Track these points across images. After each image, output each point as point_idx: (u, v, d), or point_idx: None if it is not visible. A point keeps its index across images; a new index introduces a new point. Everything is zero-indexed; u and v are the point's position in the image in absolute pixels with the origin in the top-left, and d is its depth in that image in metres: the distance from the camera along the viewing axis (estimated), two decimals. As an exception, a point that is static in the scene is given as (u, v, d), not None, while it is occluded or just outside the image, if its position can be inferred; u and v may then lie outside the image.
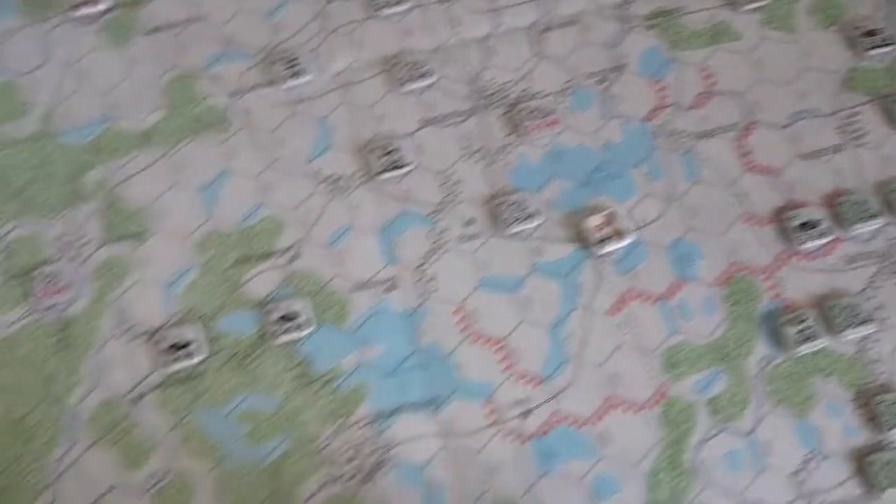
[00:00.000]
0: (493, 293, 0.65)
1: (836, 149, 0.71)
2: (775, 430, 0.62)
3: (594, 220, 0.66)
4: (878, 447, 0.62)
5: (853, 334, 0.64)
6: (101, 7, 0.74)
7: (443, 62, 0.73)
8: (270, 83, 0.72)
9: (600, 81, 0.73)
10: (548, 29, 0.75)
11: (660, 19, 0.75)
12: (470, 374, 0.63)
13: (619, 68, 0.74)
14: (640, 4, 0.76)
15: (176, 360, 0.63)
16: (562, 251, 0.67)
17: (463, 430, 0.62)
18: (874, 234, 0.68)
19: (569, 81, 0.73)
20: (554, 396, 0.63)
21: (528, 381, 0.63)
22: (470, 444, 0.61)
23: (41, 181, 0.68)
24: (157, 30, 0.74)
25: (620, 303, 0.65)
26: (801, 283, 0.67)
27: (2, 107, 0.71)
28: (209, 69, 0.72)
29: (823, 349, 0.64)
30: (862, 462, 0.62)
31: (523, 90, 0.72)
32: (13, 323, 0.65)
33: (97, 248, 0.68)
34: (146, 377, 0.64)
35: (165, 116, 0.71)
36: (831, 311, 0.65)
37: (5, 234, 0.67)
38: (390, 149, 0.69)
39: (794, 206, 0.69)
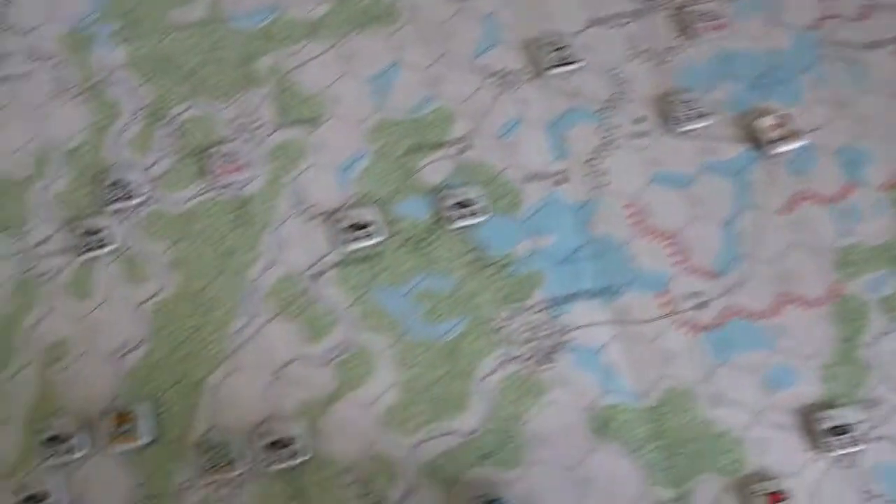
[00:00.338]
0: (664, 189, 0.66)
1: None
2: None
3: (767, 121, 0.67)
4: None
5: None
6: None
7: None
8: (436, -21, 0.72)
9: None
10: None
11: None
12: (644, 266, 0.64)
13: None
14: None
15: (356, 239, 0.64)
16: (733, 150, 0.67)
17: (637, 319, 0.63)
18: None
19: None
20: (728, 291, 0.63)
21: (702, 275, 0.64)
22: (645, 332, 0.62)
23: (212, 64, 0.69)
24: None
25: (792, 203, 0.65)
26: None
27: (170, -9, 0.70)
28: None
29: None
30: None
31: (688, -5, 0.72)
32: (190, 199, 0.66)
33: (272, 132, 0.68)
34: (325, 255, 0.64)
35: (333, 8, 0.72)
36: None
37: (179, 114, 0.68)
38: (560, 45, 0.69)
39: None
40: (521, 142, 0.67)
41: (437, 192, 0.66)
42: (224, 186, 0.66)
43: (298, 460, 0.58)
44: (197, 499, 0.58)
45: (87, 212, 0.65)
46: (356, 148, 0.67)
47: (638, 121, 0.68)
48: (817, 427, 0.59)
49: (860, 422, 0.59)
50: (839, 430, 0.58)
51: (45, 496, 0.57)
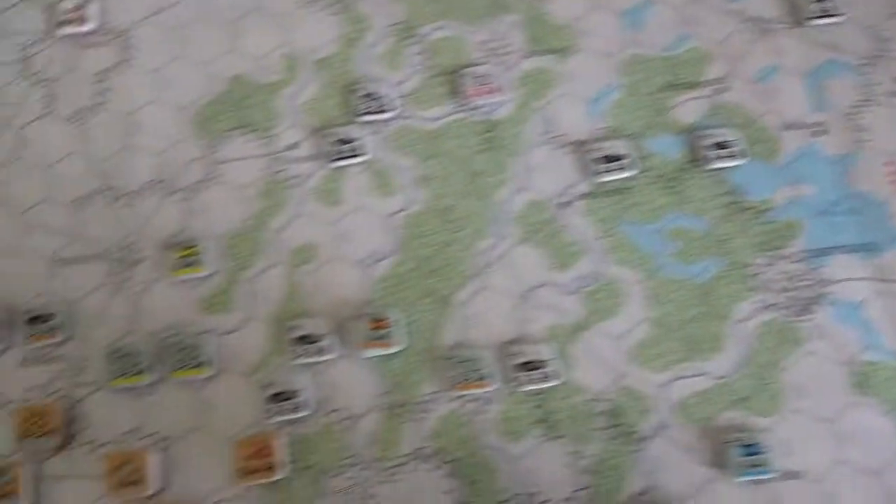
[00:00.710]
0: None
1: None
2: None
3: None
4: None
5: None
6: None
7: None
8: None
9: None
10: None
11: None
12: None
13: None
14: None
15: (607, 171, 0.62)
16: None
17: (898, 278, 0.59)
18: None
19: None
20: None
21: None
22: (906, 292, 0.59)
23: (463, -12, 0.67)
24: None
25: None
26: None
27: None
28: None
29: None
30: None
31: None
32: (440, 118, 0.65)
33: (522, 58, 0.67)
34: (574, 185, 0.63)
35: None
36: None
37: (429, 34, 0.67)
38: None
39: None
40: (779, 89, 0.65)
41: (690, 132, 0.64)
42: (474, 108, 0.64)
43: (550, 383, 0.56)
44: (443, 411, 0.57)
45: (338, 121, 0.64)
46: (606, 81, 0.65)
47: (900, 80, 0.64)
48: None
49: None
50: None
51: (293, 394, 0.56)
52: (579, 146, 0.64)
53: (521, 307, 0.60)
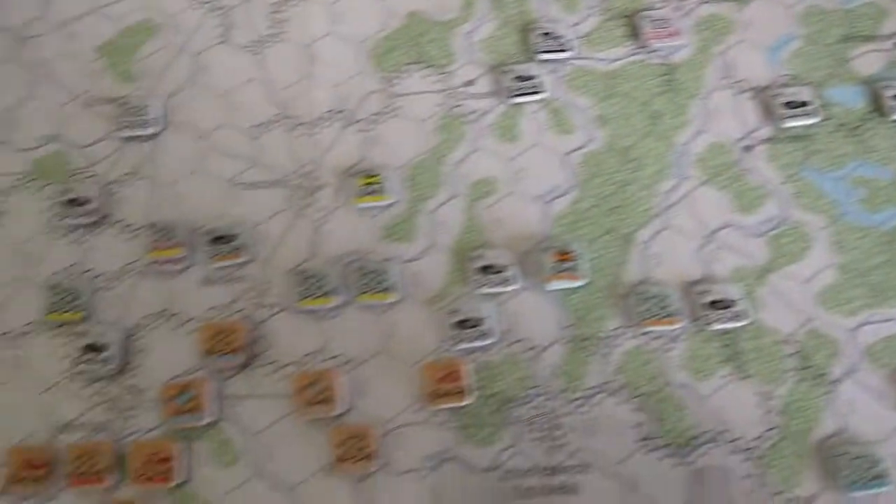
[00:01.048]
0: None
1: None
2: None
3: None
4: None
5: None
6: None
7: None
8: None
9: None
10: None
11: None
12: None
13: None
14: None
15: (792, 117, 0.62)
16: None
17: None
18: None
19: None
20: None
21: None
22: None
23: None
24: None
25: None
26: None
27: None
28: None
29: None
30: None
31: None
32: (617, 59, 0.65)
33: (699, 3, 0.66)
34: (755, 130, 0.63)
35: None
36: None
37: (603, -22, 0.66)
38: None
39: None
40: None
41: (870, 83, 0.62)
42: (652, 51, 0.64)
43: (740, 323, 0.55)
44: (628, 346, 0.56)
45: (515, 59, 0.64)
46: (784, 30, 0.65)
47: None
48: None
49: None
50: None
51: (478, 322, 0.56)
52: (761, 92, 0.63)
53: (706, 248, 0.59)
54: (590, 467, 0.54)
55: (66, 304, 0.57)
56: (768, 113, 0.62)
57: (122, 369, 0.56)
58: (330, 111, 0.64)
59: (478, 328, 0.56)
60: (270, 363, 0.57)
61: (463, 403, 0.54)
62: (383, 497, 0.53)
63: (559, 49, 0.64)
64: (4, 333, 0.57)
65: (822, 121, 0.63)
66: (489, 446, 0.55)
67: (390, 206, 0.61)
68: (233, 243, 0.59)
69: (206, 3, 0.67)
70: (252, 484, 0.54)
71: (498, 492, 0.53)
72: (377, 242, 0.60)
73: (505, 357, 0.57)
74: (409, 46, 0.65)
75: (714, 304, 0.57)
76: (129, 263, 0.59)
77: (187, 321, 0.58)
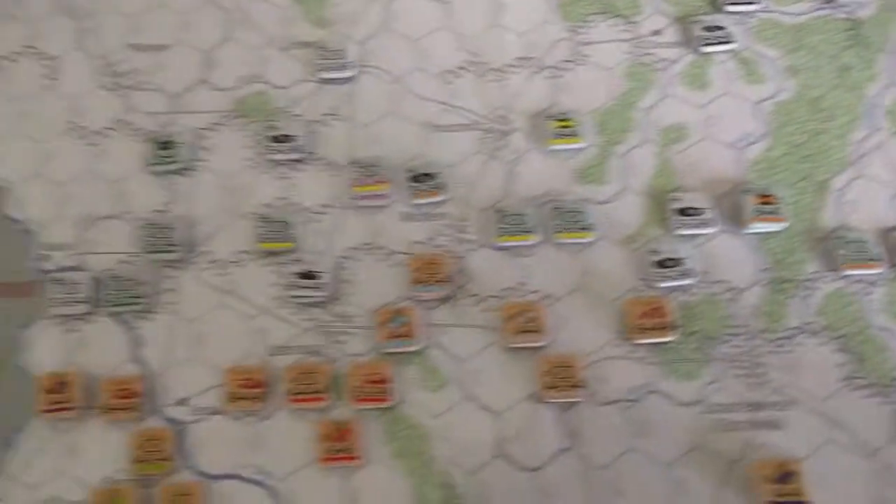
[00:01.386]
0: None
1: None
2: None
3: None
4: None
5: None
6: None
7: None
8: None
9: None
10: None
11: None
12: None
13: None
14: None
15: None
16: None
17: None
18: None
19: None
20: None
21: None
22: None
23: None
24: None
25: None
26: None
27: None
28: None
29: None
30: None
31: None
32: (803, 13, 0.65)
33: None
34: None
35: None
36: None
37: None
38: None
39: None
40: None
41: None
42: (838, 6, 0.65)
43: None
44: (828, 289, 0.57)
45: (702, 10, 0.65)
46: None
47: None
48: None
49: None
50: None
51: (678, 262, 0.57)
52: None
53: (899, 197, 0.59)
54: (794, 404, 0.54)
55: (277, 234, 0.59)
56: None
57: (333, 296, 0.58)
58: (519, 58, 0.65)
59: (678, 268, 0.57)
60: (472, 296, 0.58)
61: (668, 339, 0.55)
62: (588, 426, 0.55)
63: (747, 1, 0.65)
64: (216, 261, 0.59)
65: None
66: (692, 381, 0.56)
67: (583, 149, 0.61)
68: (432, 182, 0.60)
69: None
70: (460, 408, 0.55)
71: (702, 425, 0.54)
72: (570, 184, 0.61)
73: (704, 297, 0.58)
74: (594, -3, 0.66)
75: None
76: (333, 198, 0.61)
77: (391, 254, 0.59)
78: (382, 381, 0.55)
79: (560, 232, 0.59)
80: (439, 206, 0.60)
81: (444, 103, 0.63)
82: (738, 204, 0.59)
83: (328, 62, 0.64)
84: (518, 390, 0.55)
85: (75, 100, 0.65)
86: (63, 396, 0.55)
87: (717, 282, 0.57)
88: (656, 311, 0.56)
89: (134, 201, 0.61)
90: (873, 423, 0.53)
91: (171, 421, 0.55)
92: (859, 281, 0.57)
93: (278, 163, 0.62)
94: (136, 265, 0.59)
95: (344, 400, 0.55)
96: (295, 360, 0.56)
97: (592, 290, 0.58)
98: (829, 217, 0.59)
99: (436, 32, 0.66)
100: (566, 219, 0.59)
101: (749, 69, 0.63)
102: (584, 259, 0.59)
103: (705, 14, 0.65)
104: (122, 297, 0.57)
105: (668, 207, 0.59)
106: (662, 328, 0.55)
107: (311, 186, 0.61)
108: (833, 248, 0.58)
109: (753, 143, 0.61)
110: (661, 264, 0.57)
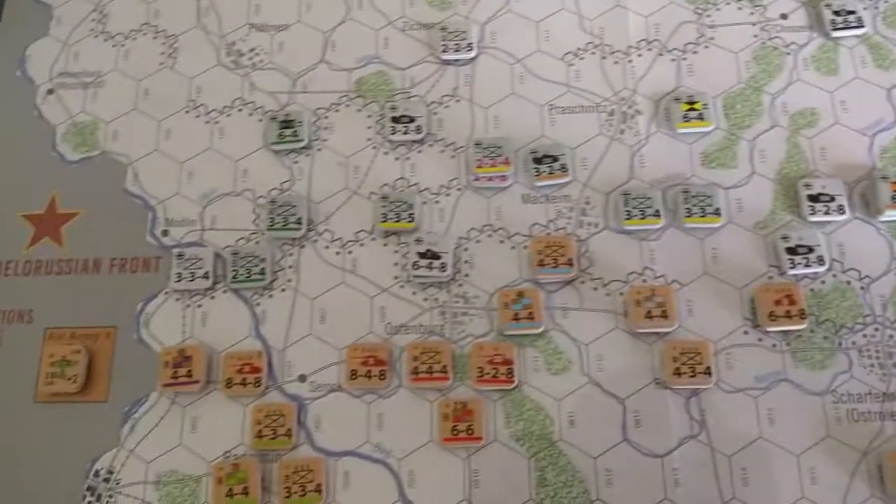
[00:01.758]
0: None
1: None
2: None
3: None
4: None
5: None
6: None
7: None
8: None
9: None
10: None
11: None
12: None
13: None
14: None
15: None
16: None
17: None
18: None
19: None
20: None
21: None
22: None
23: None
24: None
25: None
26: None
27: None
28: None
29: None
30: None
31: None
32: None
33: None
34: None
35: None
36: None
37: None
38: None
39: None
40: None
41: None
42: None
43: None
44: None
45: (839, -5, 0.63)
46: None
47: None
48: None
49: None
50: None
51: (810, 249, 0.56)
52: None
53: None
54: (929, 397, 0.52)
55: (398, 213, 0.59)
56: None
57: (454, 277, 0.57)
58: (643, 40, 0.63)
59: (809, 255, 0.56)
60: (596, 279, 0.57)
61: (800, 326, 0.54)
62: (715, 413, 0.53)
63: (881, -15, 0.63)
64: (336, 240, 0.59)
65: None
66: (822, 370, 0.54)
67: (710, 132, 0.60)
68: (555, 164, 0.60)
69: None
70: (583, 392, 0.54)
71: (832, 415, 0.53)
72: (696, 168, 0.60)
73: (834, 285, 0.56)
74: (721, -21, 0.65)
75: None
76: (453, 179, 0.60)
77: (512, 235, 0.58)
78: (508, 363, 0.54)
79: (688, 216, 0.57)
80: (561, 189, 0.59)
81: (566, 85, 0.62)
82: (871, 191, 0.56)
83: (450, 43, 0.63)
84: (643, 376, 0.55)
85: (195, 78, 0.64)
86: (184, 370, 0.55)
87: (849, 269, 0.55)
88: (788, 298, 0.54)
89: (254, 179, 0.61)
90: None
91: (292, 397, 0.55)
92: None
93: (398, 143, 0.61)
94: (257, 242, 0.58)
95: (465, 380, 0.54)
96: (415, 339, 0.55)
97: (720, 276, 0.57)
98: (965, 207, 0.56)
99: (558, 14, 0.65)
100: (694, 203, 0.58)
101: (880, 54, 0.61)
102: (711, 244, 0.58)
103: (842, -1, 0.63)
104: (243, 274, 0.57)
105: (800, 193, 0.57)
106: (794, 316, 0.54)
107: (430, 167, 0.61)
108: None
109: (885, 129, 0.59)
110: (793, 251, 0.56)
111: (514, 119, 0.62)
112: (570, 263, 0.57)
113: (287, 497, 0.52)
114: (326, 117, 0.63)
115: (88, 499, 0.53)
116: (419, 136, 0.61)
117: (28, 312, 0.58)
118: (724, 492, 0.51)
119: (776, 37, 0.63)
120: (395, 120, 0.62)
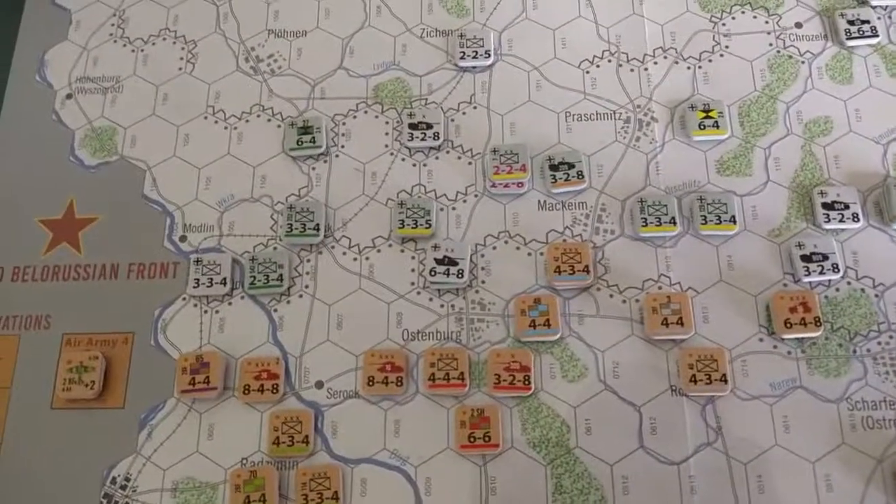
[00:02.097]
0: None
1: None
2: None
3: None
4: None
5: None
6: None
7: None
8: None
9: None
10: None
11: None
12: None
13: None
14: None
15: None
16: None
17: None
18: None
19: None
20: None
21: None
22: None
23: None
24: None
25: None
26: None
27: None
28: None
29: None
30: None
31: None
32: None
33: None
34: None
35: None
36: None
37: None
38: None
39: None
40: None
41: None
42: None
43: None
44: None
45: (847, 4, 0.63)
46: None
47: None
48: None
49: None
50: None
51: (824, 257, 0.56)
52: None
53: None
54: (945, 405, 0.53)
55: (415, 220, 0.59)
56: None
57: (470, 283, 0.58)
58: (659, 48, 0.64)
59: (824, 262, 0.56)
60: (612, 286, 0.57)
61: (815, 334, 0.54)
62: (731, 420, 0.54)
63: (885, -9, 0.63)
64: (353, 246, 0.59)
65: None
66: (837, 378, 0.54)
67: (723, 141, 0.60)
68: (571, 171, 0.60)
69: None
70: (599, 399, 0.55)
71: (847, 422, 0.53)
72: (712, 175, 0.60)
73: (848, 292, 0.56)
74: (737, -11, 0.65)
75: None
76: (470, 185, 0.61)
77: (528, 242, 0.59)
78: (525, 369, 0.55)
79: (704, 224, 0.57)
80: (578, 196, 0.60)
81: (582, 92, 0.62)
82: (885, 198, 0.57)
83: (468, 50, 0.64)
84: (659, 383, 0.55)
85: (213, 84, 0.65)
86: (202, 377, 0.55)
87: (863, 277, 0.56)
88: (802, 305, 0.54)
89: (272, 185, 0.61)
90: None
91: (309, 403, 0.55)
92: None
93: (415, 149, 0.61)
94: (275, 248, 0.59)
95: (482, 387, 0.55)
96: (432, 346, 0.56)
97: (735, 284, 0.57)
98: (978, 216, 0.57)
99: (574, 22, 0.65)
100: (710, 210, 0.58)
101: (894, 63, 0.62)
102: (726, 251, 0.58)
103: (850, 7, 0.63)
104: (260, 280, 0.58)
105: (814, 201, 0.57)
106: (809, 323, 0.54)
107: (447, 173, 0.61)
108: None
109: (896, 139, 0.59)
110: (808, 258, 0.56)
111: (530, 126, 0.62)
112: (586, 270, 0.57)
113: None
114: (344, 123, 0.63)
115: (106, 505, 0.54)
116: (436, 143, 0.61)
117: (45, 318, 0.58)
118: (741, 499, 0.51)
119: (791, 45, 0.63)
120: (413, 126, 0.62)
